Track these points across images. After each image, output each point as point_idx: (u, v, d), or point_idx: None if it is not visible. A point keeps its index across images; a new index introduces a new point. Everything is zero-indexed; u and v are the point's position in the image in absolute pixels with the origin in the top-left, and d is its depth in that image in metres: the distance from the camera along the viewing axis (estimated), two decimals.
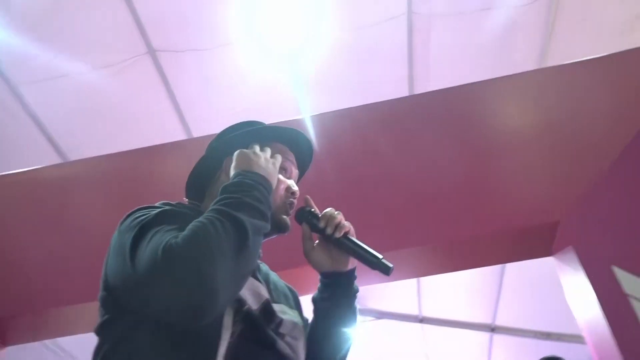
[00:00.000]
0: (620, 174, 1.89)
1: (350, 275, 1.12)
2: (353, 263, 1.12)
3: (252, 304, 0.96)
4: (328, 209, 1.12)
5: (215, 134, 1.27)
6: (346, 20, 3.45)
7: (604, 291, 1.71)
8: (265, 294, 1.02)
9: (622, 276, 1.69)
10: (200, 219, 0.87)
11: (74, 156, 3.62)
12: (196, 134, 3.76)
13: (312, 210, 1.14)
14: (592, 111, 2.09)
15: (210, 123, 3.68)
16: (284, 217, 1.11)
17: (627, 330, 1.62)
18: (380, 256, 1.04)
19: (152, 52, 3.45)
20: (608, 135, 2.00)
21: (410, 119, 2.25)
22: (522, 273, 4.16)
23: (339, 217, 1.10)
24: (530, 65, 3.44)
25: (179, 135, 3.78)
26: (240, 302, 0.93)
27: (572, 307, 1.97)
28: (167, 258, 0.80)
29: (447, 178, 2.05)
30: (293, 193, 1.13)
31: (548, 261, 2.05)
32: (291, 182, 1.15)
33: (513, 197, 1.98)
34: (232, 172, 1.04)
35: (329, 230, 1.09)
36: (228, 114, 3.71)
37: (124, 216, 1.00)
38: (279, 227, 1.10)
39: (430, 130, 2.20)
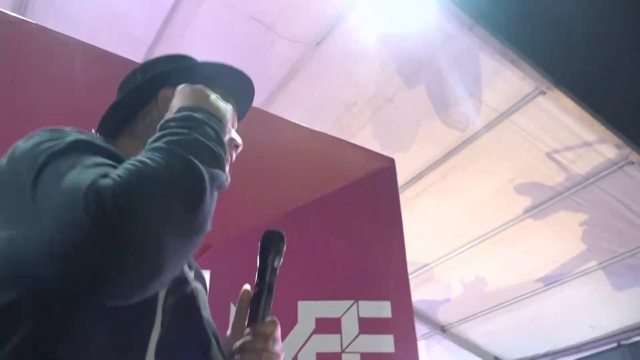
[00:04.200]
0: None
1: None
2: None
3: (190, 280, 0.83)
4: None
5: None
6: None
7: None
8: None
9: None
10: (140, 158, 0.62)
11: None
12: None
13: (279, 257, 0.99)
14: (277, 166, 2.37)
15: None
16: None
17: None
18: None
19: None
20: (286, 194, 2.36)
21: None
22: None
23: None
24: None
25: None
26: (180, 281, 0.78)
27: None
28: (95, 209, 0.54)
29: None
30: (237, 146, 0.94)
31: None
32: (235, 135, 0.95)
33: None
34: (174, 108, 0.80)
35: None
36: None
37: (15, 145, 0.71)
38: None
39: None
